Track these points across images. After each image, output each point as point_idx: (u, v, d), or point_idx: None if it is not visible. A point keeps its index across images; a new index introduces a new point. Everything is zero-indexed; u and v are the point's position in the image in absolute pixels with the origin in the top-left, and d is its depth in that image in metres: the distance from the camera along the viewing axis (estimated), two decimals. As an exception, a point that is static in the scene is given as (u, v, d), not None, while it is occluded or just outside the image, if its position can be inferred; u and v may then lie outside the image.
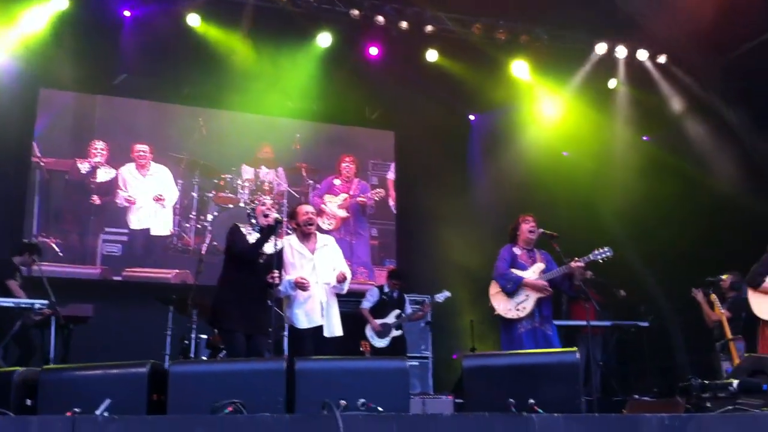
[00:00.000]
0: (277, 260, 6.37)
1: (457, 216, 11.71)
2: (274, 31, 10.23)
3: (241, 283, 6.38)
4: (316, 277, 6.66)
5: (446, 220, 11.74)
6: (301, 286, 6.49)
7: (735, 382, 5.09)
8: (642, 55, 10.99)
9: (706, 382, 5.21)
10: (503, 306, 6.99)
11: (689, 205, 10.70)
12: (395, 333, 9.46)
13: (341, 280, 6.65)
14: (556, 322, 7.45)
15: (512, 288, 6.99)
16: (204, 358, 8.18)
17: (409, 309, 9.68)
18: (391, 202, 12.34)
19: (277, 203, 10.98)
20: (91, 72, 10.47)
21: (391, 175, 12.43)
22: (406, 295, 9.83)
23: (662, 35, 10.73)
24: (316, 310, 6.62)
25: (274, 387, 4.67)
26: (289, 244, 6.77)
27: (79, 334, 8.45)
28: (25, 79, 10.38)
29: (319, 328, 6.61)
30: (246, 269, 6.39)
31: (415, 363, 10.18)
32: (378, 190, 12.16)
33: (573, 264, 6.87)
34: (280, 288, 6.56)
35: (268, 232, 6.40)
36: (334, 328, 6.69)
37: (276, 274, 6.28)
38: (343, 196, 11.93)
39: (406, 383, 4.96)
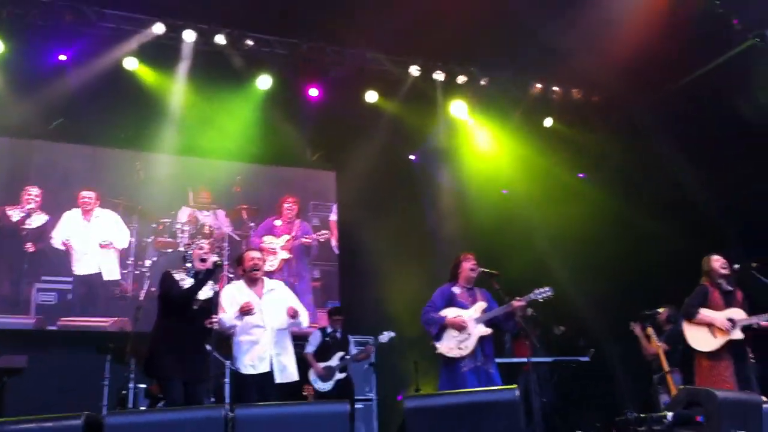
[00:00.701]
0: (214, 305, 6.32)
1: (399, 255, 11.71)
2: (213, 73, 10.21)
3: (176, 329, 6.29)
4: (263, 323, 6.62)
5: (389, 260, 11.72)
6: (246, 310, 6.43)
7: (669, 415, 5.16)
8: (576, 94, 11.25)
9: (642, 415, 5.27)
10: (445, 344, 7.01)
11: (626, 241, 10.91)
12: (339, 376, 9.36)
13: (292, 314, 6.62)
14: (499, 360, 7.49)
15: (435, 331, 7.04)
16: (143, 408, 8.01)
17: (353, 350, 9.62)
18: (334, 243, 12.30)
19: (216, 247, 10.91)
20: (26, 117, 10.31)
21: (333, 216, 12.41)
22: (350, 336, 9.78)
23: (594, 75, 11.01)
24: (264, 357, 6.57)
25: (214, 435, 4.63)
26: (236, 288, 6.75)
27: (13, 387, 8.19)
28: (-41, 125, 10.19)
29: (266, 375, 6.55)
30: (180, 315, 6.31)
31: (359, 405, 10.10)
32: (323, 231, 12.11)
33: (515, 303, 6.95)
34: (225, 321, 6.50)
35: (206, 276, 6.34)
36: (286, 373, 6.65)
37: (215, 319, 6.22)
38: (286, 237, 11.87)
39: (347, 427, 4.95)
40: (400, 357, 10.92)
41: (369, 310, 11.54)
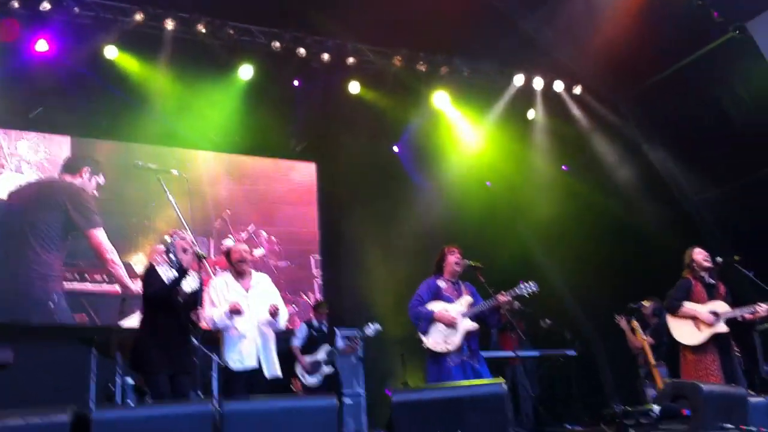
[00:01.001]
0: (200, 297, 6.26)
1: (383, 247, 11.72)
2: (195, 63, 10.13)
3: (160, 323, 6.21)
4: (250, 316, 6.58)
5: (373, 251, 11.73)
6: (235, 310, 6.39)
7: (656, 408, 5.18)
8: (558, 86, 11.25)
9: (629, 408, 5.29)
10: (432, 339, 6.97)
11: (610, 233, 10.96)
12: (326, 370, 9.35)
13: (273, 312, 6.58)
14: (485, 354, 7.46)
15: (425, 327, 6.98)
16: (130, 402, 7.92)
17: (340, 342, 9.60)
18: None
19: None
20: (5, 106, 10.17)
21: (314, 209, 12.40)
22: (336, 329, 9.76)
23: (576, 67, 11.04)
24: (251, 353, 6.54)
25: (201, 430, 4.59)
26: (224, 281, 6.71)
27: (-1, 382, 8.08)
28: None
29: (255, 371, 6.52)
30: (165, 309, 6.24)
31: (348, 401, 10.09)
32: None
33: (500, 298, 6.92)
34: (216, 321, 6.46)
35: (184, 270, 6.29)
36: (273, 368, 6.63)
37: (201, 312, 6.17)
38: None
39: (335, 421, 4.93)
40: (387, 350, 10.93)
41: (354, 302, 11.56)
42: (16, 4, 8.91)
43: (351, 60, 10.58)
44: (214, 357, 6.68)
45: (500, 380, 5.37)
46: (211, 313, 6.49)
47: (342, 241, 12.27)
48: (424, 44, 10.69)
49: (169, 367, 6.19)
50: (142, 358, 6.21)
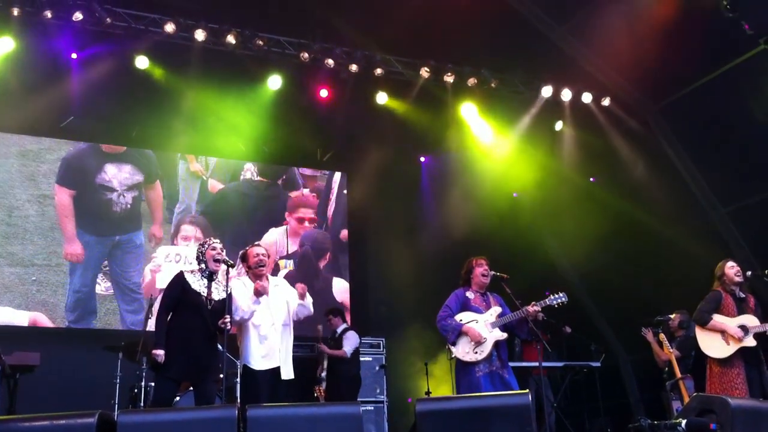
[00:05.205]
0: (228, 305, 6.29)
1: (409, 257, 11.73)
2: (224, 73, 10.19)
3: (184, 330, 6.25)
4: (271, 318, 6.61)
5: (398, 261, 11.75)
6: (259, 292, 6.41)
7: (683, 422, 5.13)
8: (587, 98, 11.18)
9: (656, 422, 5.24)
10: (461, 348, 6.96)
11: (637, 245, 10.88)
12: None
13: (302, 292, 6.62)
14: (510, 364, 7.43)
15: (453, 338, 6.98)
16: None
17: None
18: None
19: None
20: (37, 114, 10.33)
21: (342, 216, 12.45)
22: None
23: (605, 79, 10.98)
24: (273, 352, 6.56)
25: (226, 435, 4.63)
26: (242, 283, 6.72)
27: (26, 384, 8.17)
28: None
29: (276, 370, 6.54)
30: (189, 316, 6.28)
31: (370, 407, 10.10)
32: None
33: (530, 308, 6.90)
34: (244, 309, 6.46)
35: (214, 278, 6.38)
36: (289, 370, 6.65)
37: (227, 319, 6.19)
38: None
39: (359, 428, 4.94)
40: (410, 359, 10.92)
41: (378, 311, 11.60)
42: (48, 15, 8.99)
43: (379, 71, 10.56)
44: (239, 362, 6.71)
45: (526, 392, 5.34)
46: (238, 305, 6.48)
47: (368, 249, 12.28)
48: (451, 55, 10.69)
49: (190, 376, 6.25)
50: (162, 363, 6.19)
